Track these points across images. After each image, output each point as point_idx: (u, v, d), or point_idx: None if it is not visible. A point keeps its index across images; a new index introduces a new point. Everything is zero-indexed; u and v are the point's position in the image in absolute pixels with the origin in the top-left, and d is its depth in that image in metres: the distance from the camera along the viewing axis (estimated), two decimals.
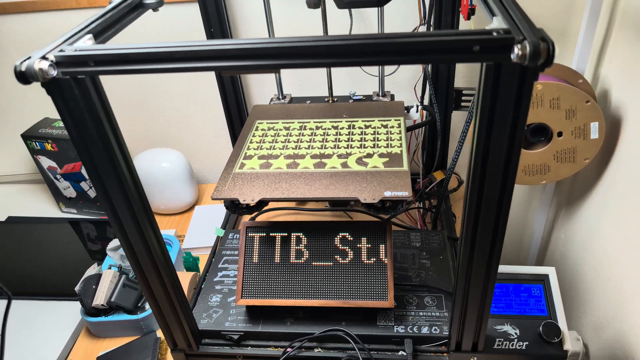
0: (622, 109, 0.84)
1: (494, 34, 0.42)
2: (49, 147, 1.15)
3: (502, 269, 0.77)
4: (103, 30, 0.56)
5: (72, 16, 1.07)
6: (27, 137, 1.16)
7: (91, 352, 0.87)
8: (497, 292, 0.74)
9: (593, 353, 0.92)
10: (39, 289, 1.04)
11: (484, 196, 0.52)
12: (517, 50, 0.40)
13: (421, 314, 0.76)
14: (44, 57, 0.46)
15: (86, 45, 0.50)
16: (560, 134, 0.87)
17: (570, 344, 0.81)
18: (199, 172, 1.33)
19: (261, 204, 0.68)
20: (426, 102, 1.00)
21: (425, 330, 0.74)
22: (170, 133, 1.26)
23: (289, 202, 1.09)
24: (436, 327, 0.74)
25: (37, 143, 1.16)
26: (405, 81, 1.06)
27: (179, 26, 1.07)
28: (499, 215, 0.54)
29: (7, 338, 0.93)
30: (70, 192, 1.23)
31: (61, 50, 0.48)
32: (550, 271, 0.75)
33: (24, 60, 0.46)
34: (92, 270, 0.92)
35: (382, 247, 0.74)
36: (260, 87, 1.14)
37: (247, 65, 0.45)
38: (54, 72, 0.47)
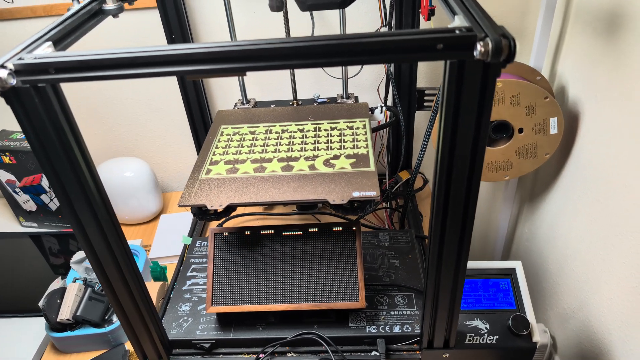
0: (578, 105, 0.88)
1: (457, 32, 0.43)
2: (6, 159, 1.11)
3: (471, 264, 0.78)
4: (62, 37, 0.55)
5: (28, 25, 1.03)
6: None
7: None
8: (466, 287, 0.76)
9: (560, 343, 0.95)
10: (3, 306, 1.00)
11: (450, 193, 0.53)
12: (479, 47, 0.41)
13: (392, 313, 0.77)
14: (2, 66, 0.45)
15: (46, 52, 0.48)
16: (521, 130, 0.89)
17: (539, 336, 0.84)
18: (164, 181, 1.30)
19: (229, 210, 0.67)
20: (390, 103, 1.02)
21: (397, 329, 0.74)
22: (133, 142, 1.23)
23: (257, 208, 1.08)
24: (408, 326, 0.75)
25: None
26: (369, 83, 1.07)
27: (139, 33, 1.05)
28: (467, 212, 0.55)
29: None
30: (30, 206, 1.18)
31: (20, 59, 0.46)
32: (516, 265, 0.78)
33: None
34: (56, 284, 0.89)
35: (351, 247, 0.74)
36: (223, 92, 1.13)
37: (211, 69, 0.45)
38: (13, 81, 0.45)
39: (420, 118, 1.12)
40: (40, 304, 0.84)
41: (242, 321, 0.78)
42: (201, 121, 1.05)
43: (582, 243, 0.87)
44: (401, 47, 0.44)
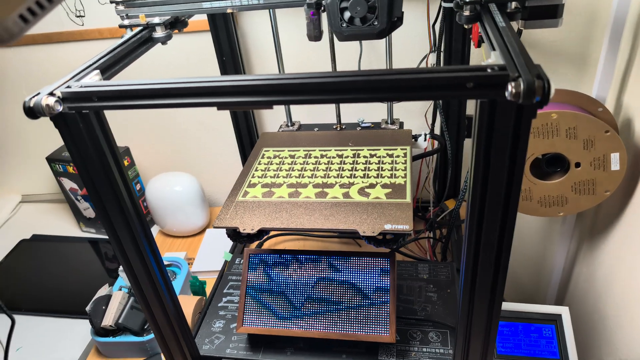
0: None
1: (489, 70, 0.42)
2: (70, 169, 1.19)
3: (512, 306, 0.74)
4: (111, 65, 0.58)
5: (95, 46, 1.11)
6: (52, 160, 1.20)
7: None
8: (505, 330, 0.72)
9: None
10: (58, 306, 1.07)
11: (482, 235, 0.51)
12: (510, 87, 0.39)
13: (424, 350, 0.74)
14: (51, 94, 0.48)
15: (91, 81, 0.52)
16: (578, 165, 0.84)
17: None
18: (212, 195, 1.34)
19: (262, 233, 0.68)
20: (438, 129, 0.99)
21: None
22: (185, 157, 1.28)
23: None
24: None
25: (60, 166, 1.19)
26: (417, 108, 1.05)
27: (192, 54, 1.09)
28: (500, 253, 0.52)
29: (23, 352, 0.96)
30: (90, 213, 1.26)
31: (68, 87, 0.49)
32: (563, 311, 0.72)
33: (33, 96, 0.48)
34: (104, 291, 0.93)
35: (385, 279, 0.73)
36: (271, 113, 1.15)
37: (240, 101, 0.46)
38: (59, 108, 0.48)
39: (470, 145, 1.08)
40: (87, 308, 0.89)
41: (272, 344, 0.78)
42: (249, 140, 1.08)
43: None
44: (430, 85, 0.42)
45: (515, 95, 0.39)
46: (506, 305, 0.74)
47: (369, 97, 0.43)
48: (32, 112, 0.47)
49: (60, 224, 1.34)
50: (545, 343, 0.69)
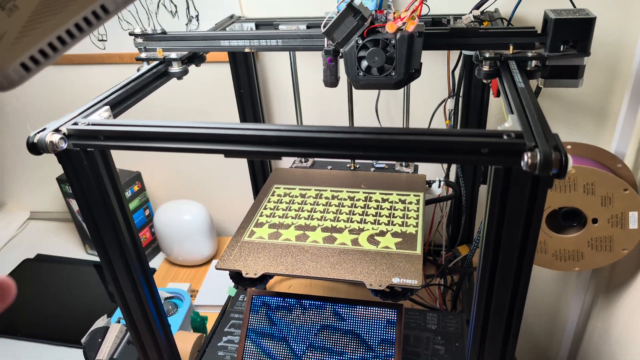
0: None
1: (505, 137, 0.40)
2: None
3: None
4: (122, 100, 0.58)
5: (116, 70, 1.12)
6: (62, 181, 1.20)
7: None
8: None
9: None
10: (56, 333, 1.05)
11: (492, 302, 0.48)
12: (527, 158, 0.38)
13: None
14: (56, 130, 0.48)
15: (99, 119, 0.51)
16: (595, 221, 0.81)
17: None
18: (221, 224, 1.33)
19: (265, 277, 0.66)
20: (453, 175, 0.97)
21: None
22: (195, 184, 1.28)
23: None
24: None
25: (69, 188, 1.19)
26: None
27: (210, 84, 1.10)
28: (510, 320, 0.50)
29: None
30: None
31: (75, 123, 0.49)
32: None
33: (38, 132, 0.47)
34: (101, 322, 0.91)
35: (391, 332, 0.70)
36: None
37: (249, 151, 0.45)
38: (64, 145, 0.48)
39: (485, 191, 1.06)
40: (83, 340, 0.87)
41: None
42: (261, 171, 1.07)
43: None
44: (444, 149, 0.41)
45: (532, 167, 0.37)
46: None
47: (380, 156, 0.42)
48: (36, 148, 0.47)
49: (66, 244, 1.34)
50: None
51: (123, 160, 1.21)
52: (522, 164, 0.38)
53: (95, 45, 1.11)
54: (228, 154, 0.46)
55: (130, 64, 1.10)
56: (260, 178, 1.07)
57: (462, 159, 0.45)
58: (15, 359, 0.98)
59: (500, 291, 0.47)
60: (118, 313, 0.95)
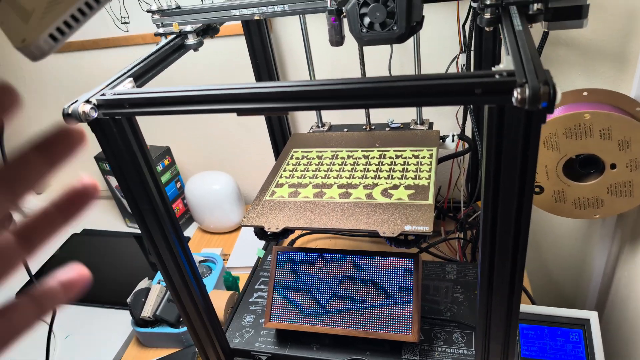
0: None
1: (497, 76, 0.42)
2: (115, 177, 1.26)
3: (538, 309, 0.73)
4: (144, 73, 0.62)
5: (139, 51, 1.17)
6: (99, 159, 1.28)
7: (139, 359, 0.94)
8: (530, 334, 0.71)
9: None
10: (103, 298, 1.14)
11: (497, 241, 0.51)
12: (516, 94, 0.40)
13: (448, 350, 0.74)
14: (87, 101, 0.52)
15: (124, 89, 0.55)
16: (613, 166, 0.81)
17: None
18: (248, 193, 1.38)
19: (286, 232, 0.70)
20: (469, 130, 0.98)
21: None
22: (223, 156, 1.33)
23: None
24: None
25: (106, 165, 1.27)
26: (448, 109, 1.05)
27: (227, 58, 1.14)
28: (516, 255, 0.52)
29: (71, 340, 1.03)
30: None
31: (103, 94, 0.53)
32: (591, 316, 0.71)
33: (72, 104, 0.52)
34: (143, 284, 0.99)
35: (409, 279, 0.73)
36: (304, 115, 1.18)
37: (257, 107, 0.48)
38: (95, 114, 0.52)
39: None
40: (128, 300, 0.94)
41: (299, 339, 0.80)
42: (282, 141, 1.10)
43: None
44: (438, 91, 0.43)
45: (521, 102, 0.39)
46: (532, 308, 0.73)
47: (377, 104, 0.45)
48: (71, 118, 0.52)
49: (108, 219, 1.42)
50: (572, 348, 0.68)
51: (153, 136, 1.28)
52: (512, 100, 0.40)
53: (119, 29, 1.16)
54: (240, 112, 0.49)
55: (152, 43, 1.15)
56: (280, 145, 1.11)
57: (458, 100, 0.47)
58: (71, 321, 1.07)
59: (503, 225, 0.50)
60: (158, 276, 1.03)
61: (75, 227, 1.40)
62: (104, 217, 1.44)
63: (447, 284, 0.85)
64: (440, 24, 0.97)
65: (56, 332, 1.05)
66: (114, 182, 1.30)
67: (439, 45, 0.98)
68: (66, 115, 0.52)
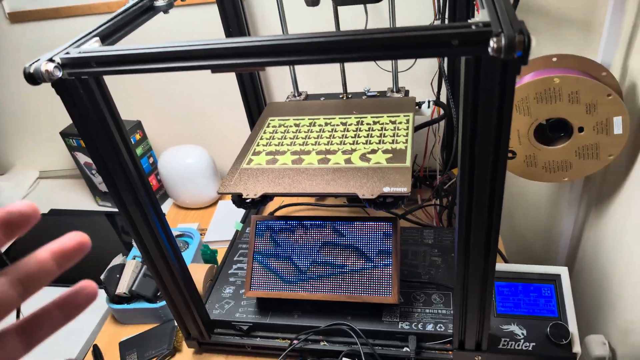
0: None
1: (473, 27, 0.42)
2: (84, 143, 1.22)
3: (512, 267, 0.75)
4: (111, 33, 0.59)
5: (104, 20, 1.13)
6: (65, 134, 1.23)
7: (115, 337, 0.92)
8: (505, 291, 0.73)
9: (621, 357, 0.88)
10: (74, 277, 1.10)
11: (474, 197, 0.52)
12: (492, 43, 0.40)
13: (427, 311, 0.75)
14: (50, 60, 0.50)
15: (90, 47, 0.53)
16: (581, 129, 0.83)
17: (595, 347, 0.79)
18: (224, 168, 1.36)
19: (265, 199, 0.70)
20: (444, 98, 0.99)
21: (430, 327, 0.73)
22: (196, 130, 1.31)
23: (309, 198, 1.11)
24: (442, 325, 0.73)
25: (74, 140, 1.23)
26: (424, 76, 1.05)
27: (198, 27, 1.10)
28: (491, 214, 0.53)
29: None
30: (105, 187, 1.29)
31: (67, 53, 0.51)
32: (562, 271, 0.73)
33: (33, 63, 0.50)
34: (117, 260, 0.97)
35: (388, 243, 0.74)
36: (279, 84, 1.16)
37: (233, 63, 0.47)
38: (59, 74, 0.50)
39: None
40: (102, 277, 0.92)
41: (280, 307, 0.81)
42: (257, 112, 1.09)
43: None
44: (416, 43, 0.43)
45: (497, 50, 0.39)
46: (506, 267, 0.75)
47: (358, 56, 0.44)
48: (32, 78, 0.49)
49: (77, 198, 1.38)
50: (544, 302, 0.70)
51: (123, 110, 1.24)
52: (489, 49, 0.40)
53: None
54: (215, 68, 0.48)
55: None
56: (256, 116, 1.10)
57: (435, 52, 0.47)
58: (39, 303, 1.04)
59: (480, 181, 0.50)
60: (133, 252, 1.01)
61: (42, 207, 1.35)
62: (72, 196, 1.40)
63: (424, 249, 0.86)
64: None
65: (24, 313, 1.03)
66: (82, 158, 1.26)
67: (415, 12, 0.98)
68: (28, 76, 0.50)
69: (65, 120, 1.26)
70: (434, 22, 0.93)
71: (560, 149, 0.86)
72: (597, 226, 1.04)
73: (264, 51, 0.45)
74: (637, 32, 0.85)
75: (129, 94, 1.24)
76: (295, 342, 0.77)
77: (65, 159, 1.43)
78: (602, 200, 1.01)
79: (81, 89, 0.52)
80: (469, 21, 0.43)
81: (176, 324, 0.92)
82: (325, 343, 0.77)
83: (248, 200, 0.70)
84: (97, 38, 0.55)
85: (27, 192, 1.44)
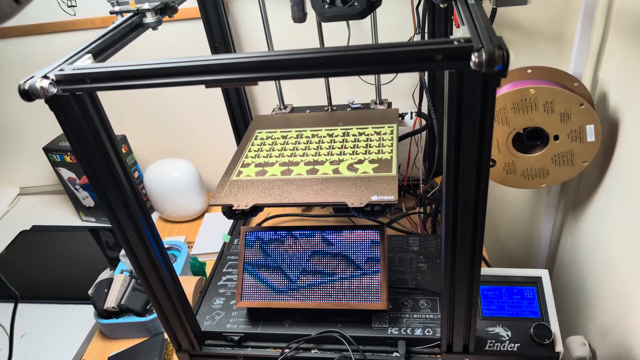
0: (619, 112, 0.85)
1: (455, 43, 0.45)
2: (68, 159, 1.22)
3: (495, 271, 0.78)
4: (103, 49, 0.61)
5: (88, 36, 1.13)
6: (48, 150, 1.23)
7: (104, 353, 0.92)
8: (489, 294, 0.76)
9: (600, 357, 0.92)
10: (59, 293, 1.10)
11: (459, 203, 0.54)
12: (474, 57, 0.42)
13: (415, 316, 0.77)
14: (45, 76, 0.51)
15: (84, 64, 0.54)
16: (556, 138, 0.87)
17: (576, 348, 0.82)
18: (210, 181, 1.37)
19: (256, 210, 0.71)
20: (425, 109, 1.02)
21: (418, 332, 0.75)
22: (181, 144, 1.31)
23: (296, 209, 1.12)
24: (429, 329, 0.75)
25: (57, 155, 1.22)
26: (405, 89, 1.08)
27: (184, 42, 1.12)
28: (476, 221, 0.56)
29: (27, 339, 0.99)
30: (89, 202, 1.29)
31: (61, 70, 0.52)
32: (543, 273, 0.76)
33: (28, 80, 0.51)
34: (105, 274, 0.97)
35: (376, 250, 0.76)
36: (265, 98, 1.18)
37: (227, 79, 0.49)
38: (54, 90, 0.51)
39: None
40: (90, 292, 0.92)
41: (270, 317, 0.81)
42: (243, 126, 1.10)
43: (623, 254, 0.84)
44: (401, 58, 0.45)
45: (479, 65, 0.42)
46: (490, 271, 0.78)
47: (345, 72, 0.46)
48: (27, 94, 0.50)
49: (60, 214, 1.37)
50: (527, 304, 0.73)
51: None
52: (471, 64, 0.43)
53: (65, 12, 1.12)
54: (209, 84, 0.50)
55: (102, 28, 1.11)
56: (242, 130, 1.11)
57: (420, 67, 0.50)
58: (26, 319, 1.03)
59: (464, 188, 0.53)
60: (121, 266, 1.01)
61: (24, 223, 1.34)
62: (55, 212, 1.39)
63: (410, 255, 0.89)
64: (395, 6, 1.00)
65: (8, 325, 1.01)
66: (65, 174, 1.25)
67: (395, 27, 1.01)
68: (23, 92, 0.50)
69: (48, 135, 1.25)
70: (414, 36, 0.97)
71: (537, 156, 0.89)
72: (574, 230, 1.08)
73: (258, 67, 0.47)
74: (605, 44, 0.90)
75: (115, 109, 1.24)
76: (286, 351, 0.78)
77: (48, 175, 1.42)
78: (578, 205, 1.05)
79: (75, 104, 0.53)
80: (451, 37, 0.46)
81: (166, 336, 0.92)
82: (317, 351, 0.78)
83: (238, 212, 0.71)
84: (90, 55, 0.56)
85: (7, 209, 1.42)
